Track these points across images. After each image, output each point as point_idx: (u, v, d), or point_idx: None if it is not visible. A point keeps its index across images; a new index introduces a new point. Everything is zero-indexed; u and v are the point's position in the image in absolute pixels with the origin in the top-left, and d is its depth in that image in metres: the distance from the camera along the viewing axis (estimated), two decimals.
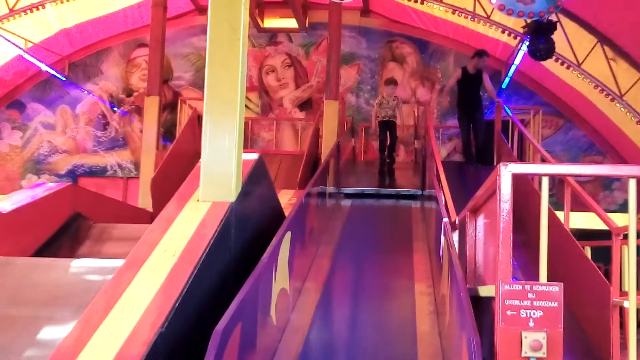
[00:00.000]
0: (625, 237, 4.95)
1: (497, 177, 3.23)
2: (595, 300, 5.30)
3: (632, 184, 3.15)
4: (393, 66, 15.86)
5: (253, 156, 5.43)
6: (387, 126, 11.79)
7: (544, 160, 8.60)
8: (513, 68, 13.98)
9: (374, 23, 15.94)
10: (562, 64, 12.63)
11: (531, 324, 2.99)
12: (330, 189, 9.35)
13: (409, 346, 4.90)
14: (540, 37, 10.67)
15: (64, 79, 15.97)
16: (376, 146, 15.19)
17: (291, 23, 15.07)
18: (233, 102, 4.72)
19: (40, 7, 12.60)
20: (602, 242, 7.05)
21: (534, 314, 3.00)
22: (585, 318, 5.58)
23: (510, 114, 11.87)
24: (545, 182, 3.29)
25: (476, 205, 4.55)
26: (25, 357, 4.00)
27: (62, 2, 12.68)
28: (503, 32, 12.62)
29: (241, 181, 4.83)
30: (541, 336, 2.96)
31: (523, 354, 2.96)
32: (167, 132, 14.58)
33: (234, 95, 4.72)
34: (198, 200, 4.63)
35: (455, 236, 5.72)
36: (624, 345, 4.29)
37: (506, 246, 3.15)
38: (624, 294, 4.70)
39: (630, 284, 3.56)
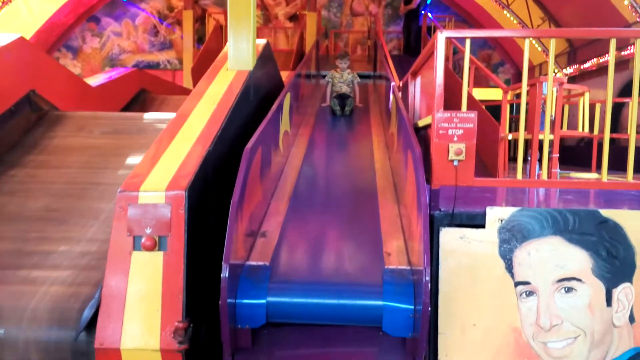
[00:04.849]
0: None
1: (435, 41, 3.10)
2: (490, 137, 5.31)
3: (527, 42, 3.05)
4: None
5: (263, 41, 5.18)
6: (342, 99, 6.78)
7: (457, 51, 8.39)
8: None
9: None
10: None
11: (455, 138, 2.97)
12: (313, 72, 9.08)
13: (370, 166, 4.91)
14: None
15: (125, 0, 15.06)
16: (342, 45, 14.73)
17: None
18: (248, 6, 4.44)
19: None
20: (494, 102, 7.02)
21: (457, 132, 2.97)
22: (483, 150, 5.61)
23: (432, 18, 11.45)
24: (468, 42, 3.17)
25: (416, 68, 4.42)
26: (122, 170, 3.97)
27: None
28: None
29: (255, 57, 4.63)
30: (462, 146, 2.94)
31: (449, 158, 2.96)
32: (199, 39, 14.07)
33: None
34: (227, 69, 4.45)
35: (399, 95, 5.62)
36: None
37: (440, 86, 3.07)
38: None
39: (520, 126, 3.53)
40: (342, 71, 6.88)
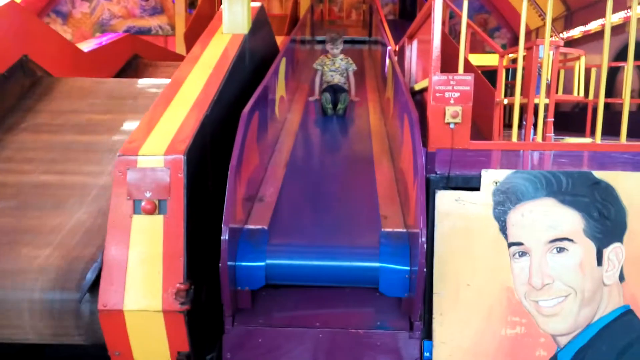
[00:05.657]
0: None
1: (432, 2, 3.07)
2: (485, 103, 5.29)
3: (525, 2, 3.03)
4: None
5: (257, 4, 5.10)
6: (334, 92, 5.28)
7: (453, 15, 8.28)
8: None
9: None
10: None
11: (452, 101, 2.97)
12: (307, 37, 8.97)
13: (366, 131, 4.92)
14: None
15: None
16: (337, 9, 14.44)
17: None
18: None
19: None
20: (490, 67, 6.97)
21: (454, 95, 2.97)
22: (479, 116, 5.59)
23: None
24: (465, 3, 3.13)
25: (412, 31, 4.38)
26: (122, 130, 4.03)
27: None
28: None
29: (251, 20, 4.57)
30: (458, 108, 2.95)
31: (446, 121, 2.97)
32: (190, 4, 13.79)
33: None
34: (222, 33, 4.39)
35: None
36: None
37: (437, 48, 3.05)
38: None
39: (516, 88, 3.52)
40: (334, 57, 5.39)
